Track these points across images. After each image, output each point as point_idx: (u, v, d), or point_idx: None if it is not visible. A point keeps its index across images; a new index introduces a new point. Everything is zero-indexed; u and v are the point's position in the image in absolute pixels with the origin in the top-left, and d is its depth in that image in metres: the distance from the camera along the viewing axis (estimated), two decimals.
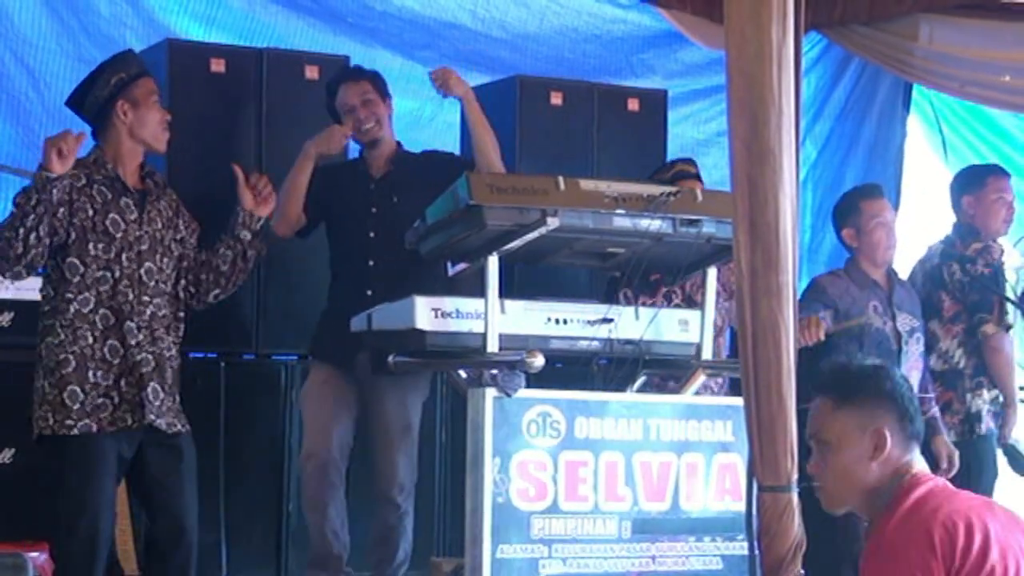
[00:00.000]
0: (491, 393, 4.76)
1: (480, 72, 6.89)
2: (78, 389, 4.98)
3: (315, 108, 5.80)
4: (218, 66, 5.85)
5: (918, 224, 7.44)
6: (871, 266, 6.18)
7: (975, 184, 6.56)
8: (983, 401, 6.36)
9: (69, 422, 4.97)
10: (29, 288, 5.35)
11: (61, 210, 5.01)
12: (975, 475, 6.24)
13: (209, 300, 5.33)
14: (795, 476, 4.05)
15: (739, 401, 4.17)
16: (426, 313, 4.85)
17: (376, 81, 5.79)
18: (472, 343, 4.85)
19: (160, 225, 5.20)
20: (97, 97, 5.17)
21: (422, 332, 4.85)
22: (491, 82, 6.66)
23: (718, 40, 5.40)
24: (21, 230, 4.92)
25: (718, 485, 5.08)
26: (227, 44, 6.27)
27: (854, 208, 6.20)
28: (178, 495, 5.08)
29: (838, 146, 7.93)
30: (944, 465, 6.17)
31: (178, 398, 5.15)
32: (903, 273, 6.52)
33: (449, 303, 4.87)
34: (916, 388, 6.13)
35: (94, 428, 4.97)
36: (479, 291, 4.82)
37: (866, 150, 7.91)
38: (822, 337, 5.63)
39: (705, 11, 6.83)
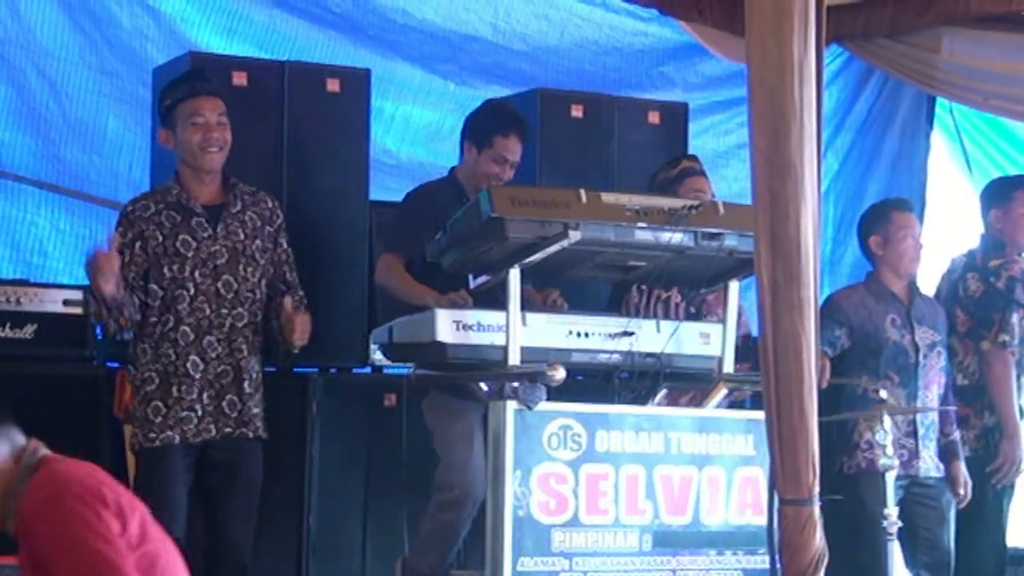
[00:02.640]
0: (512, 406, 4.78)
1: (500, 85, 6.92)
2: (160, 404, 5.15)
3: (337, 121, 5.83)
4: (240, 79, 5.88)
5: (941, 238, 7.43)
6: (893, 277, 6.19)
7: (1002, 197, 6.54)
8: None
9: (152, 435, 5.13)
10: (52, 301, 5.40)
11: (138, 244, 5.18)
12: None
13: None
14: (817, 489, 4.06)
15: (760, 415, 4.19)
16: (447, 325, 4.87)
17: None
18: (493, 356, 4.87)
19: (242, 236, 5.28)
20: (156, 125, 5.32)
21: (443, 345, 4.87)
22: (512, 95, 6.68)
23: (739, 53, 5.41)
24: (112, 324, 5.11)
25: (739, 499, 5.09)
26: (249, 57, 6.30)
27: (884, 217, 6.22)
28: (232, 512, 5.22)
29: (859, 159, 7.94)
30: (961, 492, 6.16)
31: (258, 404, 5.26)
32: (929, 287, 6.52)
33: (471, 315, 4.89)
34: (936, 402, 6.13)
35: (176, 440, 5.13)
36: (500, 304, 4.85)
37: (888, 163, 7.92)
38: (823, 385, 5.54)
39: (726, 24, 6.84)
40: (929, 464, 6.09)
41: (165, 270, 5.20)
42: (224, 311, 5.22)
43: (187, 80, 5.36)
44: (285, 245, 5.41)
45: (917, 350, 6.12)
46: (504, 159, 5.52)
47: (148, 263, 5.20)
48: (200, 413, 5.16)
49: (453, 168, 5.73)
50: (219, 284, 5.23)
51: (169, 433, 5.14)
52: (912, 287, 6.27)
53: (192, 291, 5.20)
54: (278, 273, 5.38)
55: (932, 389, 6.13)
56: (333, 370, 6.06)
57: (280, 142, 5.95)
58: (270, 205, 5.39)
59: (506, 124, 5.55)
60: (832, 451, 5.97)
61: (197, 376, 5.17)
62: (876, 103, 7.92)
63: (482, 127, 5.58)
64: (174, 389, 5.16)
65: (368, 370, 6.04)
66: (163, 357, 5.18)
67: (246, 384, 5.24)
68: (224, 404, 5.19)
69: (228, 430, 5.20)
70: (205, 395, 5.18)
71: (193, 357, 5.18)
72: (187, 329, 5.18)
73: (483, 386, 4.98)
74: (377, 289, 5.71)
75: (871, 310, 6.11)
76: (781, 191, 4.01)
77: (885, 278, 6.19)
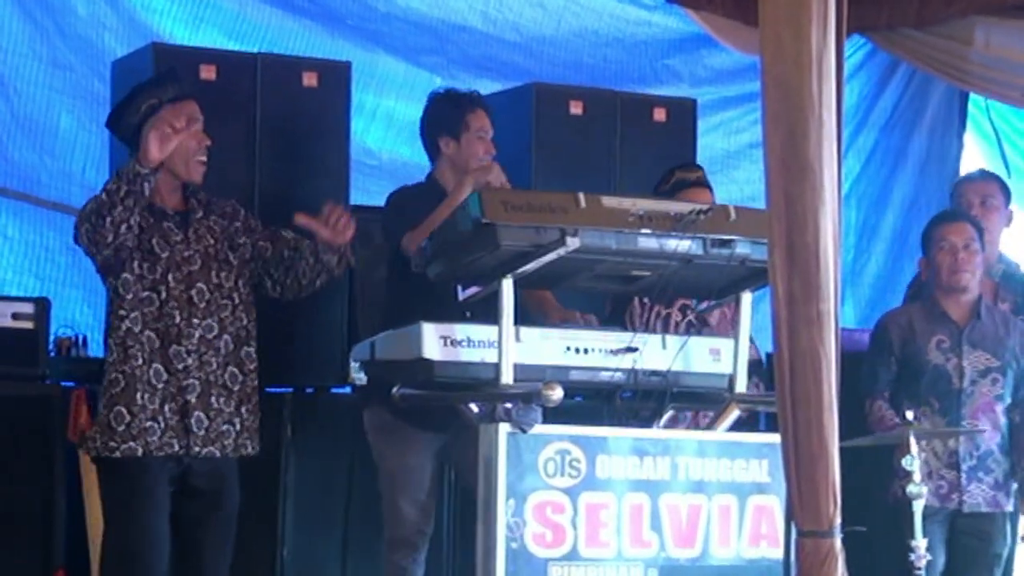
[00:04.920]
0: (505, 429, 4.80)
1: (491, 79, 6.96)
2: (124, 411, 5.22)
3: (314, 118, 5.86)
4: (208, 72, 5.92)
5: None
6: (944, 296, 6.26)
7: None
8: None
9: (113, 444, 5.21)
10: (1, 315, 5.45)
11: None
12: None
13: (300, 295, 5.55)
14: (838, 520, 4.09)
15: (776, 438, 4.22)
16: (434, 341, 4.89)
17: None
18: (484, 374, 4.89)
19: (212, 240, 5.39)
20: (129, 124, 5.34)
21: (430, 362, 4.89)
22: (504, 90, 6.72)
23: (751, 44, 5.45)
24: (109, 220, 5.12)
25: (753, 530, 5.12)
26: (218, 49, 6.35)
27: (927, 236, 6.34)
28: (209, 547, 5.31)
29: (884, 160, 7.99)
30: None
31: (230, 420, 5.32)
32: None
33: (459, 330, 4.92)
34: (989, 433, 6.16)
35: (139, 452, 5.19)
36: (492, 317, 4.89)
37: (916, 165, 7.97)
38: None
39: (737, 13, 6.88)
40: (979, 499, 6.13)
41: (136, 266, 5.28)
42: (196, 320, 5.30)
43: (174, 79, 5.41)
44: (257, 222, 5.51)
45: (962, 376, 6.17)
46: (483, 135, 5.71)
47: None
48: (163, 426, 5.23)
49: (430, 173, 5.81)
50: (192, 292, 5.31)
51: (132, 444, 5.21)
52: (977, 306, 6.29)
53: (164, 295, 5.28)
54: (269, 236, 5.47)
55: (980, 419, 6.16)
56: (309, 390, 6.11)
57: (252, 141, 5.99)
58: (229, 205, 5.49)
59: (466, 101, 5.76)
60: (884, 477, 6.06)
61: (160, 387, 5.25)
62: (902, 99, 7.97)
63: (448, 116, 5.75)
64: (139, 396, 5.24)
65: (348, 390, 6.08)
66: (131, 359, 5.26)
67: (213, 399, 5.30)
68: (192, 421, 5.26)
69: (196, 449, 5.27)
70: (167, 408, 5.24)
71: (157, 366, 5.25)
72: (152, 335, 5.26)
73: (473, 407, 5.00)
74: (366, 301, 5.73)
75: (917, 331, 6.19)
76: (798, 195, 4.04)
77: (939, 297, 6.28)
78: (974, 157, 8.05)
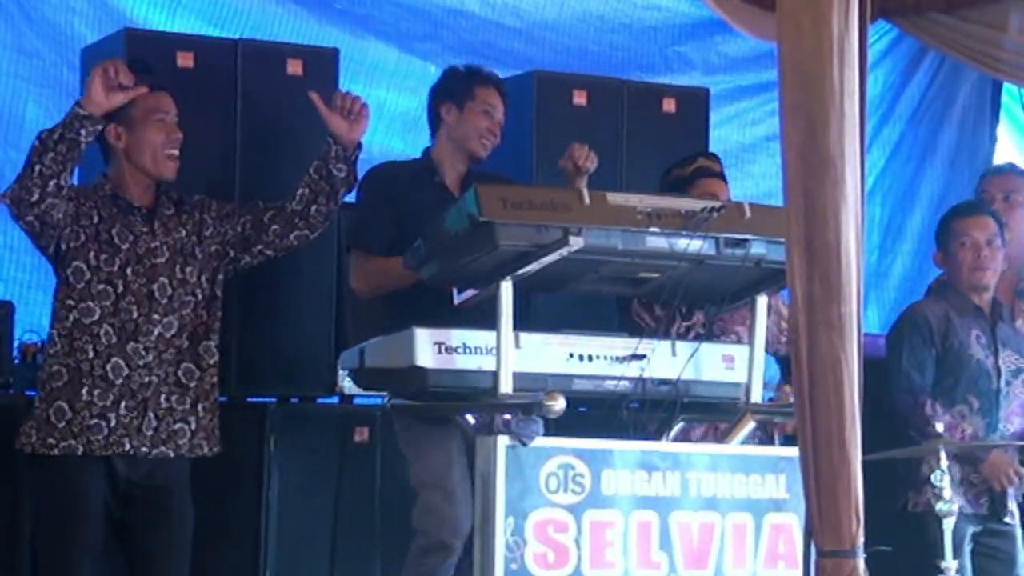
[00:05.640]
0: (504, 442, 4.81)
1: (490, 67, 6.97)
2: (66, 406, 5.24)
3: (299, 110, 5.86)
4: (185, 60, 5.92)
5: None
6: (968, 290, 6.30)
7: None
8: None
9: (51, 440, 5.21)
10: None
11: (70, 205, 5.23)
12: None
13: (290, 241, 5.55)
14: (861, 539, 4.09)
15: (794, 451, 4.23)
16: (427, 348, 4.91)
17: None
18: (481, 383, 4.90)
19: (183, 233, 5.42)
20: None
21: (423, 370, 4.90)
22: (504, 79, 6.73)
23: (768, 30, 5.47)
24: (38, 168, 5.12)
25: (769, 550, 5.12)
26: (195, 35, 6.35)
27: (945, 229, 6.38)
28: (164, 560, 5.31)
29: (910, 154, 8.00)
30: None
31: (182, 419, 5.34)
32: None
33: (455, 336, 4.93)
34: (1018, 436, 6.20)
35: (79, 451, 5.19)
36: (490, 323, 4.89)
37: (945, 159, 7.98)
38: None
39: None
40: (1010, 506, 6.18)
41: (92, 255, 5.30)
42: (156, 317, 5.32)
43: (146, 70, 5.41)
44: (231, 205, 5.56)
45: (999, 375, 6.20)
46: (489, 111, 5.77)
47: (80, 236, 5.25)
48: (113, 424, 5.25)
49: (427, 149, 5.83)
50: (154, 286, 5.34)
51: (72, 442, 5.23)
52: (997, 303, 6.34)
53: (120, 289, 5.30)
54: (249, 210, 5.52)
55: (1014, 422, 6.21)
56: (294, 400, 6.11)
57: (232, 134, 5.99)
58: (198, 199, 5.52)
59: (483, 76, 5.86)
60: (897, 486, 6.06)
61: (118, 382, 5.26)
62: (930, 89, 7.98)
63: (459, 83, 5.84)
64: (84, 392, 5.25)
65: (336, 400, 6.09)
66: (78, 352, 5.27)
67: (163, 399, 5.32)
68: (143, 422, 5.28)
69: (144, 450, 5.28)
70: (123, 405, 5.26)
71: (116, 360, 5.27)
72: (109, 329, 5.27)
73: (469, 418, 5.01)
74: (355, 303, 5.76)
75: (956, 325, 6.22)
76: (818, 191, 4.05)
77: (962, 290, 6.30)
78: (1008, 151, 8.05)
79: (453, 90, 5.81)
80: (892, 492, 6.19)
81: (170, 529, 5.35)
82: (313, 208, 5.53)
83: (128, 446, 5.25)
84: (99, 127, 5.20)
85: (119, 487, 5.30)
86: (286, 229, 5.53)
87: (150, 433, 5.29)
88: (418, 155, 5.90)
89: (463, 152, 5.78)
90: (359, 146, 5.60)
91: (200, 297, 5.42)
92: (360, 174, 5.69)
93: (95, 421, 5.24)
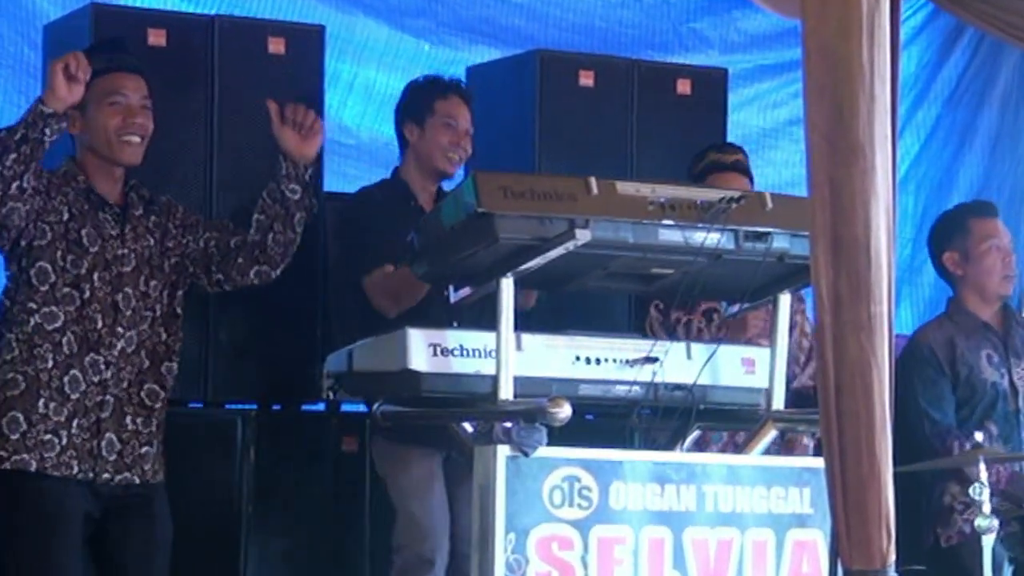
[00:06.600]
0: (504, 452, 4.83)
1: (488, 45, 7.00)
2: (21, 417, 5.25)
3: (281, 91, 5.87)
4: (157, 38, 5.93)
5: None
6: (979, 302, 6.29)
7: None
8: None
9: (3, 454, 5.24)
10: None
11: (38, 199, 5.25)
12: None
13: (250, 278, 5.56)
14: (892, 557, 4.12)
15: (820, 463, 4.25)
16: (422, 350, 4.92)
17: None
18: (480, 388, 4.92)
19: (152, 242, 5.45)
20: None
21: (416, 374, 4.92)
22: (504, 58, 6.75)
23: (792, 5, 5.47)
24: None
25: (793, 568, 5.14)
26: (168, 10, 6.37)
27: (960, 227, 6.31)
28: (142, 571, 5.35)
29: (947, 139, 8.01)
30: None
31: (148, 442, 5.37)
32: None
33: (451, 337, 4.95)
34: None
35: (32, 467, 5.21)
36: (489, 323, 4.91)
37: (986, 145, 7.99)
38: None
39: None
40: None
41: (59, 255, 5.32)
42: (119, 330, 5.35)
43: (106, 50, 5.43)
44: (198, 217, 5.59)
45: (1017, 394, 6.20)
46: (451, 124, 5.87)
47: (46, 234, 5.28)
48: (64, 443, 5.26)
49: (396, 169, 5.92)
50: (119, 296, 5.36)
51: (24, 456, 5.24)
52: (1007, 311, 6.34)
53: (87, 295, 5.32)
54: (217, 226, 5.57)
55: None
56: (276, 407, 6.12)
57: (208, 117, 6.00)
58: (165, 201, 5.55)
59: (441, 87, 5.94)
60: (921, 521, 6.07)
61: (74, 397, 5.28)
62: (968, 69, 7.99)
63: (416, 101, 5.95)
64: (41, 404, 5.27)
65: (321, 407, 6.10)
66: (37, 360, 5.29)
67: (128, 420, 5.35)
68: (103, 444, 5.30)
69: (107, 475, 5.30)
70: (75, 423, 5.27)
71: (75, 372, 5.29)
72: (71, 337, 5.30)
73: (467, 427, 5.03)
74: (342, 300, 5.84)
75: (962, 349, 6.20)
76: (845, 180, 4.07)
77: (970, 304, 6.28)
78: None
79: (412, 107, 5.94)
80: (916, 525, 6.19)
81: (148, 538, 5.38)
82: (270, 237, 5.53)
83: (77, 469, 5.26)
84: (64, 124, 5.21)
85: (99, 510, 5.33)
86: (247, 264, 5.55)
87: (112, 458, 5.31)
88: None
89: (430, 170, 5.91)
90: (317, 168, 5.65)
91: (158, 313, 5.44)
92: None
93: (48, 437, 5.25)
